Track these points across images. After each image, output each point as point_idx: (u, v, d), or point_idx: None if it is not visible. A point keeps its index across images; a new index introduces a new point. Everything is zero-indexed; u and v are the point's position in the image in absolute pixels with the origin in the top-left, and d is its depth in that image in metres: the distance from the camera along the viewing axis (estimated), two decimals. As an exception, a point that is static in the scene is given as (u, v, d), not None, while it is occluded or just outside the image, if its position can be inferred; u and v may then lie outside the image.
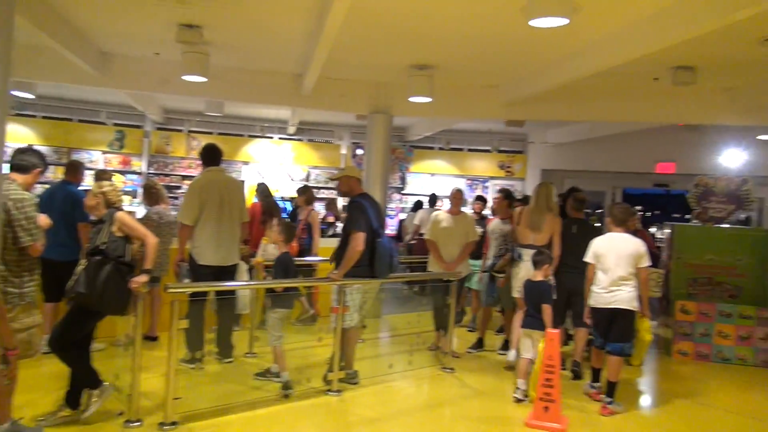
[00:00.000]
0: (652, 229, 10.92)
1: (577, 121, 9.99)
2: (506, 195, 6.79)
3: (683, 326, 6.87)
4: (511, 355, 5.82)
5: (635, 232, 5.57)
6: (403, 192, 13.24)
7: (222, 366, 5.43)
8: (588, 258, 5.06)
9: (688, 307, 6.86)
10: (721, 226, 7.43)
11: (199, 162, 5.77)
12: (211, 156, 5.55)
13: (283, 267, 4.95)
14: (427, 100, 7.10)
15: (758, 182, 8.57)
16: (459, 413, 4.84)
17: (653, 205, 16.21)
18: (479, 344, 6.59)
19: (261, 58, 7.41)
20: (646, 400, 5.64)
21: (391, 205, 12.50)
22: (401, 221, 11.60)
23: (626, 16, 5.06)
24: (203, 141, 11.06)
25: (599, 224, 7.84)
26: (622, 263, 4.88)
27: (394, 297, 8.41)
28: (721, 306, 6.84)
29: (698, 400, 5.50)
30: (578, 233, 5.71)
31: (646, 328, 5.10)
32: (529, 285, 5.16)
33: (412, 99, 7.20)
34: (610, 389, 4.88)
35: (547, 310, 4.94)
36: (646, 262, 4.93)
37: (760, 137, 9.09)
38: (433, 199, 10.20)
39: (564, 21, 4.28)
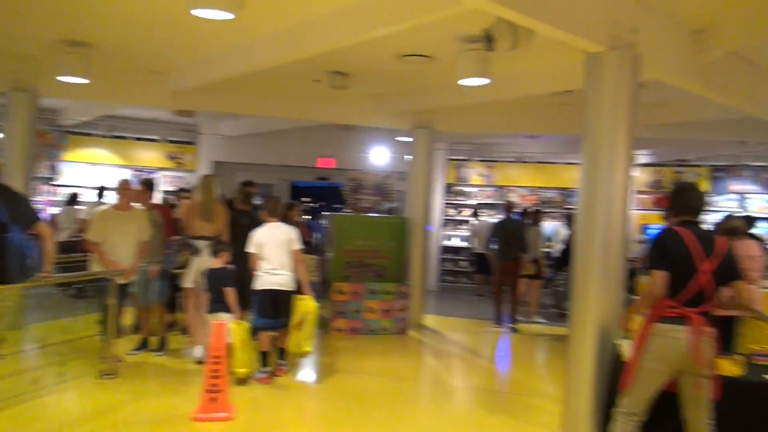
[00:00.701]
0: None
1: (246, 114, 10.20)
2: (147, 185, 6.54)
3: (339, 305, 7.67)
4: (198, 351, 5.80)
5: (297, 223, 6.07)
6: (54, 183, 11.67)
7: None
8: (251, 248, 5.45)
9: (343, 288, 7.68)
10: (370, 215, 8.51)
11: None
12: None
13: None
14: (82, 81, 6.37)
15: (399, 177, 10.06)
16: (123, 419, 4.52)
17: (319, 197, 17.42)
18: (143, 345, 6.24)
19: None
20: (308, 375, 6.12)
21: (39, 198, 10.88)
22: (53, 216, 10.24)
23: (287, 19, 5.35)
24: None
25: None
26: (279, 250, 5.46)
27: (43, 303, 7.36)
28: (369, 285, 7.85)
29: (350, 369, 6.24)
30: (248, 225, 5.93)
31: (311, 309, 5.54)
32: (211, 272, 5.46)
33: (61, 78, 6.38)
34: (282, 354, 5.65)
35: (230, 293, 5.33)
36: (296, 246, 5.59)
37: (399, 138, 10.67)
38: (102, 191, 9.26)
39: (228, 15, 4.31)
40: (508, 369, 7.04)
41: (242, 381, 5.27)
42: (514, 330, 8.65)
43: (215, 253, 5.50)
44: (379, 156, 11.84)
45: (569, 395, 4.46)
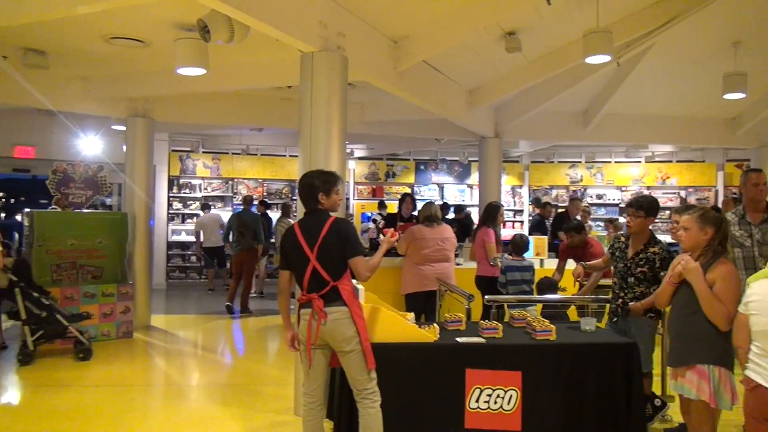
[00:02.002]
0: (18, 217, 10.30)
1: None
2: None
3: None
4: None
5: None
6: None
7: None
8: None
9: (53, 294, 6.84)
10: (82, 211, 7.70)
11: None
12: None
13: None
14: None
15: (114, 169, 9.27)
16: None
17: (18, 191, 15.17)
18: None
19: None
20: (8, 394, 5.34)
21: None
22: None
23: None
24: None
25: None
26: None
27: None
28: (84, 288, 7.12)
29: (64, 382, 5.62)
30: None
31: None
32: None
33: None
34: None
35: None
36: None
37: (114, 127, 9.80)
38: None
39: None
40: (242, 360, 7.07)
41: None
42: (249, 314, 9.12)
43: None
44: (90, 145, 10.71)
45: (298, 378, 4.70)
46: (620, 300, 4.33)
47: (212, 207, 12.09)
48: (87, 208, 7.82)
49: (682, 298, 3.42)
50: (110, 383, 5.72)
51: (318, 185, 3.54)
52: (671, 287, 3.48)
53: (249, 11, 3.88)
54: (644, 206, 4.26)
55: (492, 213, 6.97)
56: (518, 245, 6.13)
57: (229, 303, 9.12)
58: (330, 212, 3.59)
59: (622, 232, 4.75)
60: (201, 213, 11.79)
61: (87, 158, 9.95)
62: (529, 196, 14.05)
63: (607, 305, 4.74)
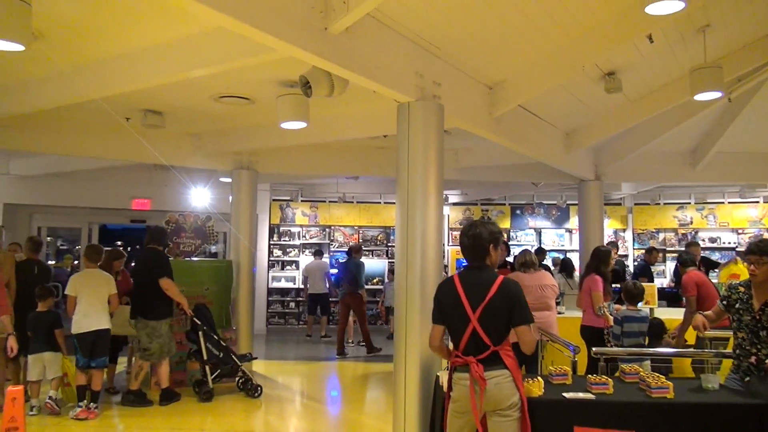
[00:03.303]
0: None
1: (46, 153, 9.24)
2: None
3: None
4: None
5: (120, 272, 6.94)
6: None
7: None
8: (68, 291, 5.97)
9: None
10: (192, 259, 8.13)
11: None
12: None
13: None
14: None
15: (221, 219, 9.77)
16: None
17: (134, 240, 16.33)
18: None
19: None
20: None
21: None
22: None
23: (94, 53, 5.03)
24: None
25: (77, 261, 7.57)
26: (96, 294, 6.01)
27: None
28: (192, 333, 7.44)
29: (163, 426, 5.83)
30: (38, 273, 6.59)
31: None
32: (38, 316, 6.01)
33: None
34: (95, 396, 5.99)
35: (59, 334, 6.00)
36: (114, 290, 6.17)
37: (221, 179, 10.40)
38: None
39: (18, 47, 3.89)
40: (340, 409, 7.06)
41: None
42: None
43: (41, 297, 6.03)
44: (199, 197, 11.41)
45: (397, 429, 4.61)
46: (754, 357, 3.88)
47: (323, 254, 12.36)
48: (196, 256, 8.25)
49: None
50: (208, 428, 5.88)
51: (487, 237, 3.31)
52: None
53: (348, 66, 4.02)
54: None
55: (603, 258, 6.39)
56: (633, 294, 5.67)
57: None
58: (494, 269, 3.37)
59: (738, 282, 4.25)
60: (312, 258, 12.10)
61: (196, 209, 10.57)
62: (634, 241, 13.33)
63: (727, 360, 4.25)
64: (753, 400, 3.64)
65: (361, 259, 10.59)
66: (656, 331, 5.52)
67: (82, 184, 11.15)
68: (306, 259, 13.05)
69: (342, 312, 10.13)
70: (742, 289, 4.04)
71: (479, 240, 3.30)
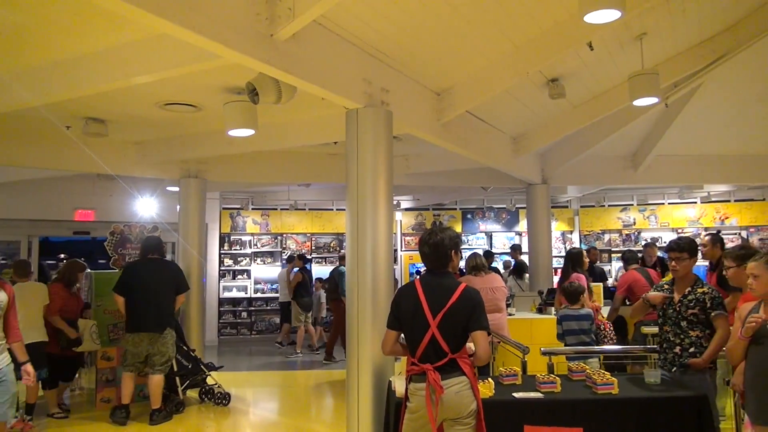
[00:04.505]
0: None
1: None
2: None
3: (105, 373, 6.92)
4: None
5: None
6: None
7: None
8: None
9: (109, 353, 6.97)
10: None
11: None
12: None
13: None
14: None
15: (168, 229, 9.54)
16: None
17: (79, 252, 15.74)
18: None
19: None
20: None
21: None
22: None
23: (32, 59, 4.85)
24: None
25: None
26: (29, 307, 5.86)
27: None
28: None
29: None
30: None
31: None
32: None
33: None
34: (30, 408, 6.01)
35: None
36: (47, 300, 6.20)
37: (168, 188, 10.16)
38: None
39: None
40: (294, 418, 6.98)
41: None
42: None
43: None
44: (145, 207, 11.12)
45: (349, 436, 4.60)
46: (678, 347, 4.09)
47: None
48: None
49: (762, 354, 3.18)
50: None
51: (448, 243, 3.31)
52: (743, 342, 3.27)
53: (295, 72, 4.00)
54: (687, 248, 4.12)
55: (576, 259, 6.63)
56: (571, 293, 5.86)
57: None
58: (454, 275, 3.36)
59: (664, 281, 4.49)
60: (282, 269, 11.94)
61: (143, 219, 10.30)
62: (581, 242, 13.72)
63: (653, 354, 4.41)
64: (691, 393, 3.80)
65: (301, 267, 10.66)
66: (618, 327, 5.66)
67: (21, 195, 10.69)
68: (257, 267, 12.90)
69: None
70: (666, 286, 4.29)
71: (441, 247, 3.30)
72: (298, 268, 10.76)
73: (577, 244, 13.75)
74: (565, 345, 5.64)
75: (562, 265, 7.19)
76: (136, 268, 6.56)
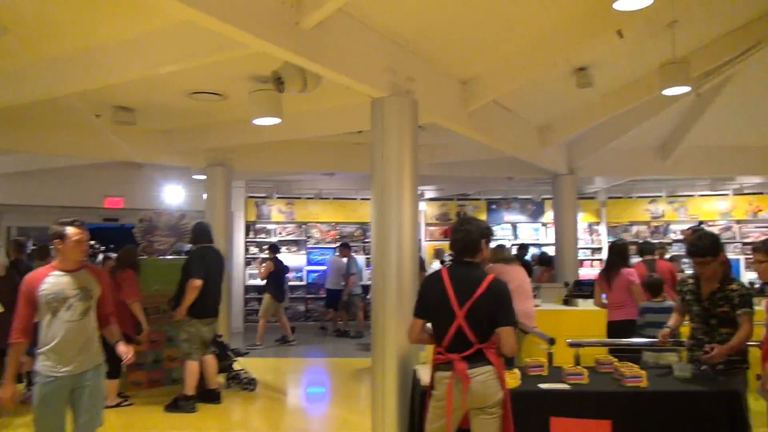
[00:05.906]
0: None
1: (15, 150, 9.03)
2: None
3: (136, 356, 7.03)
4: None
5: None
6: None
7: None
8: None
9: (141, 338, 7.08)
10: (165, 257, 8.02)
11: None
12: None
13: None
14: None
15: (195, 216, 9.65)
16: None
17: (108, 239, 16.06)
18: None
19: None
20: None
21: None
22: None
23: (61, 48, 4.92)
24: None
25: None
26: None
27: None
28: (169, 332, 7.34)
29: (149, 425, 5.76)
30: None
31: None
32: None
33: None
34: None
35: None
36: None
37: (195, 176, 10.27)
38: None
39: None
40: (324, 405, 7.05)
41: None
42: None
43: None
44: (173, 195, 11.26)
45: (376, 425, 4.62)
46: (708, 346, 3.87)
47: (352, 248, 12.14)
48: (170, 255, 8.13)
49: None
50: (185, 427, 5.82)
51: (478, 232, 3.30)
52: None
53: (320, 61, 3.99)
54: (709, 251, 3.84)
55: (623, 252, 6.33)
56: (652, 285, 5.66)
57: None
58: (484, 267, 3.34)
59: (688, 274, 4.29)
60: (333, 257, 12.11)
61: (170, 207, 10.44)
62: (608, 234, 13.52)
63: (684, 352, 4.30)
64: (722, 388, 3.72)
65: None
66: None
67: (52, 182, 10.92)
68: (282, 256, 13.01)
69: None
70: (691, 280, 4.09)
71: (471, 235, 3.29)
72: (269, 258, 10.70)
73: (604, 236, 13.57)
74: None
75: (588, 257, 7.10)
76: (202, 253, 6.49)
